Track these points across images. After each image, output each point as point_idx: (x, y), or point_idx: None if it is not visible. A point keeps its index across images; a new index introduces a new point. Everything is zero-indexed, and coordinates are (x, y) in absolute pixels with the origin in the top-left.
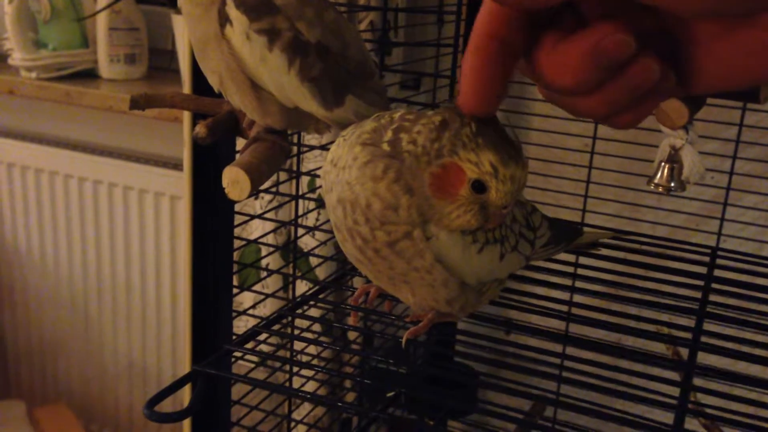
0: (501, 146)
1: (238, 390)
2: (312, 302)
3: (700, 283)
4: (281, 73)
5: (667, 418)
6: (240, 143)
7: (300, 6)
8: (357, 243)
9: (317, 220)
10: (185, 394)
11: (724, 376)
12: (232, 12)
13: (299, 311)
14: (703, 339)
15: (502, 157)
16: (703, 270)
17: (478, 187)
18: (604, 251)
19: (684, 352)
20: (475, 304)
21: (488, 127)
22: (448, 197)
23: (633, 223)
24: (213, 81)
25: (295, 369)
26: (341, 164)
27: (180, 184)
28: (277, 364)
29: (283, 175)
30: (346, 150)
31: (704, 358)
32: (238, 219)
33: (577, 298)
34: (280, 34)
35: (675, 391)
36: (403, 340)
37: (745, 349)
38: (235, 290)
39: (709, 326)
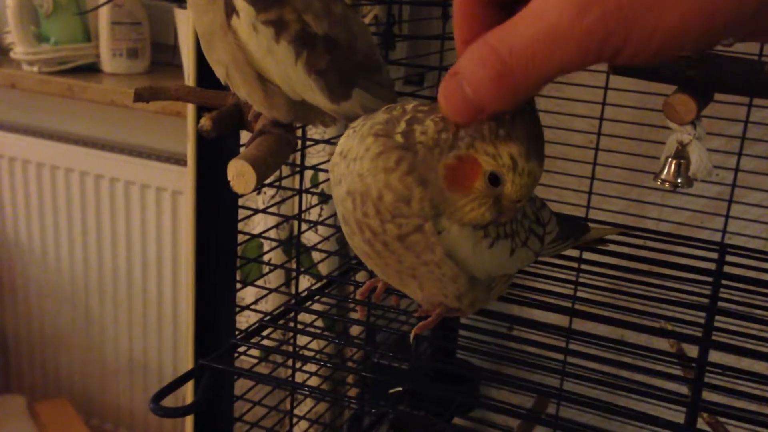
0: (526, 139)
1: (239, 385)
2: (317, 297)
3: (709, 279)
4: (288, 65)
5: (671, 414)
6: (244, 137)
7: None
8: (366, 236)
9: (320, 215)
10: (186, 389)
11: (732, 373)
12: (239, 3)
13: (302, 306)
14: (713, 336)
15: (525, 150)
16: (710, 266)
17: (494, 179)
18: (610, 246)
19: (688, 348)
20: (483, 300)
21: (517, 118)
22: (463, 190)
23: (637, 219)
24: (219, 73)
25: (298, 364)
26: (351, 156)
27: (182, 179)
28: (280, 360)
29: (286, 170)
30: (356, 141)
31: (708, 355)
32: (240, 213)
33: (581, 293)
34: (287, 26)
35: (678, 388)
36: (411, 336)
37: (754, 345)
38: (237, 285)
39: (718, 323)
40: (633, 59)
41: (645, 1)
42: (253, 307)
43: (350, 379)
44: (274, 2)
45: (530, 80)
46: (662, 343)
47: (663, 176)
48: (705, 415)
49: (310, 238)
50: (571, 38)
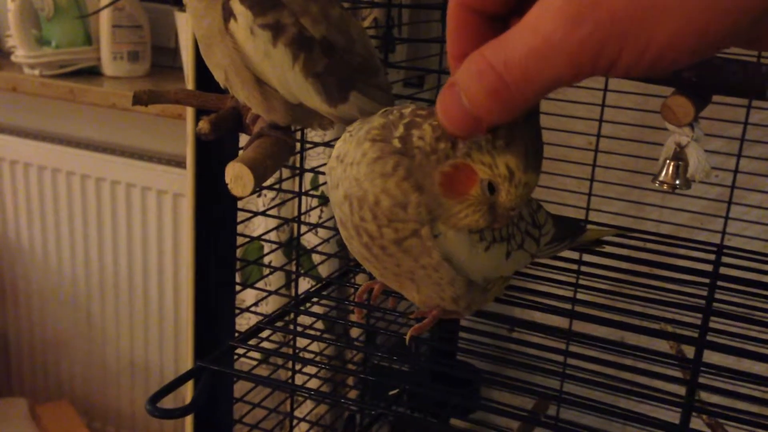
0: (524, 150)
1: (239, 387)
2: (315, 299)
3: (706, 280)
4: (285, 69)
5: (671, 416)
6: (243, 140)
7: (305, 2)
8: (363, 240)
9: (320, 217)
10: (186, 391)
11: (730, 374)
12: (237, 7)
13: (302, 308)
14: (709, 337)
15: (522, 161)
16: (708, 267)
17: (490, 188)
18: (609, 248)
19: (688, 349)
20: (480, 302)
21: (517, 126)
22: (458, 197)
23: (637, 221)
24: (218, 76)
25: (298, 366)
26: (348, 160)
27: (182, 181)
28: (280, 362)
29: (285, 172)
30: (353, 146)
31: (707, 356)
32: (240, 216)
33: (581, 295)
34: (284, 30)
35: (678, 389)
36: (407, 337)
37: (750, 347)
38: (237, 287)
39: (714, 324)
40: (628, 72)
41: (638, 15)
42: (253, 309)
43: (350, 380)
44: (272, 6)
45: (525, 94)
46: (662, 345)
47: (661, 178)
48: (705, 416)
49: (310, 240)
50: (565, 51)
